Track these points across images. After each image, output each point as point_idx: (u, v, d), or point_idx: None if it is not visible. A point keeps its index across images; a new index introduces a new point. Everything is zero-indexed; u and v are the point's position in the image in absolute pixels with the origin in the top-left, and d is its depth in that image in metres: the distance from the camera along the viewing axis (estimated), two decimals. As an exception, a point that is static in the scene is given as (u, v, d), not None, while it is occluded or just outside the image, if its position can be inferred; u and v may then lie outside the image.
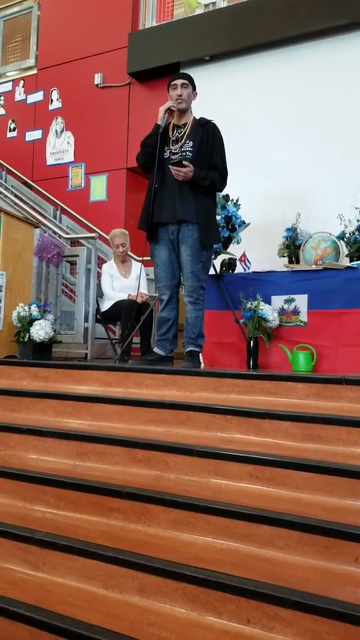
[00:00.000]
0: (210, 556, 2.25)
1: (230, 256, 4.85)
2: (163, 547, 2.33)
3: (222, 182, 4.01)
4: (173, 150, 3.98)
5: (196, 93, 4.08)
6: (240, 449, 2.74)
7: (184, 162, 3.78)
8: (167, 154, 3.99)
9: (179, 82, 3.98)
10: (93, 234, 6.29)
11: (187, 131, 3.98)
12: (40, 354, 4.28)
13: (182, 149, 3.95)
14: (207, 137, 3.96)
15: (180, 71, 7.01)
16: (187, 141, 3.96)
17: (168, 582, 2.11)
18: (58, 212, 7.92)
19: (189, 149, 3.94)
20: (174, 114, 4.02)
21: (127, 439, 2.94)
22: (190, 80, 4.02)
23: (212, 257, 4.38)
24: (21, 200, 7.62)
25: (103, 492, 2.62)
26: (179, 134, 4.01)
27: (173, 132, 4.04)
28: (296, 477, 2.53)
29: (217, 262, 4.70)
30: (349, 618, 1.82)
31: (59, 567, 2.35)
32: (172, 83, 4.00)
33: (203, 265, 3.99)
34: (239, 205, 4.86)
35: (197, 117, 4.06)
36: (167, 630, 1.98)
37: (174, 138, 4.02)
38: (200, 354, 4.11)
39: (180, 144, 3.97)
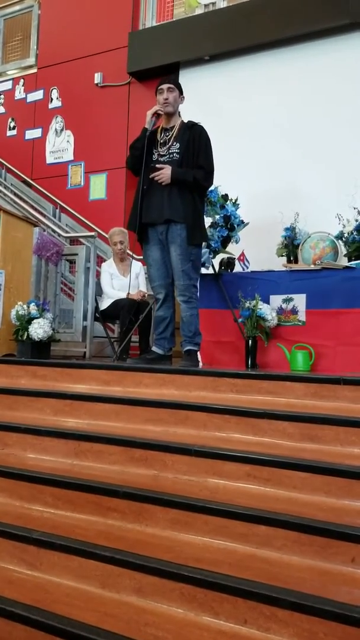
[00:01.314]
0: (207, 556, 2.25)
1: (229, 255, 4.85)
2: (160, 547, 2.32)
3: (206, 179, 4.02)
4: (161, 153, 4.05)
5: (183, 97, 4.14)
6: (238, 448, 2.74)
7: (157, 165, 3.88)
8: (155, 157, 4.06)
9: (165, 86, 4.04)
10: (92, 233, 6.28)
11: (175, 133, 4.04)
12: (39, 352, 4.27)
13: (170, 151, 4.02)
14: (194, 138, 4.00)
15: (180, 71, 7.04)
16: (174, 143, 4.02)
17: (165, 582, 2.11)
18: (57, 210, 7.92)
19: (176, 150, 3.99)
20: (162, 118, 4.09)
21: (125, 438, 2.94)
22: (177, 85, 4.09)
23: (211, 256, 4.39)
24: (20, 198, 7.62)
25: (100, 492, 2.61)
26: (167, 136, 4.07)
27: (161, 135, 4.10)
28: (294, 477, 2.53)
29: (216, 261, 4.70)
30: (346, 619, 1.82)
31: (56, 566, 2.34)
32: (159, 87, 4.07)
33: (193, 263, 4.01)
34: (238, 204, 4.85)
35: (185, 121, 4.11)
36: (164, 630, 1.98)
37: (162, 141, 4.08)
38: (198, 353, 4.12)
39: (167, 145, 4.03)
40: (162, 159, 3.99)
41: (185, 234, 3.92)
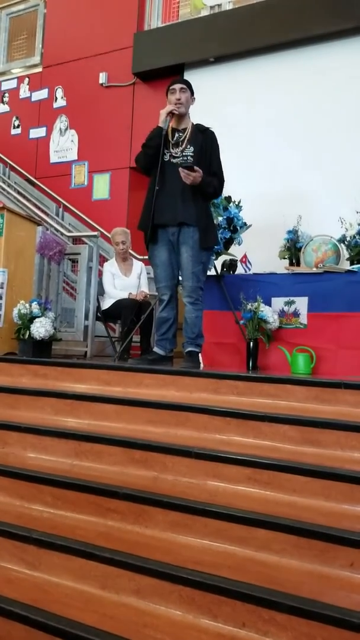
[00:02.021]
0: (206, 559, 2.26)
1: (231, 257, 4.86)
2: (160, 549, 2.33)
3: (220, 189, 4.09)
4: (173, 154, 4.02)
5: (194, 98, 4.12)
6: (239, 451, 2.75)
7: (195, 166, 3.80)
8: (167, 157, 4.03)
9: (177, 86, 4.02)
10: (95, 232, 6.29)
11: (188, 136, 4.02)
12: (40, 351, 4.28)
13: (184, 153, 3.99)
14: (207, 143, 4.01)
15: (185, 72, 7.05)
16: (188, 146, 4.00)
17: (164, 584, 2.11)
18: (61, 209, 7.93)
19: (190, 153, 3.98)
20: (174, 118, 4.05)
21: (125, 439, 2.94)
22: (189, 86, 4.07)
23: (213, 257, 4.40)
24: (24, 197, 7.63)
25: (100, 493, 2.62)
26: (179, 138, 4.04)
27: (173, 136, 4.06)
28: (294, 480, 2.53)
29: (218, 262, 4.71)
30: (344, 623, 1.82)
31: (56, 566, 2.35)
32: (171, 87, 4.05)
33: (203, 266, 4.03)
34: (241, 206, 4.86)
35: (195, 123, 4.10)
36: (162, 632, 1.98)
37: (174, 142, 4.05)
38: (199, 354, 4.12)
39: (181, 147, 4.01)
40: (174, 160, 3.97)
41: (198, 237, 3.92)
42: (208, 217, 4.03)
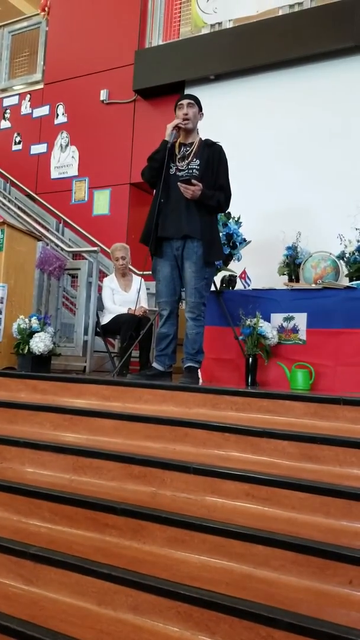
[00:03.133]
0: (204, 575, 2.24)
1: (230, 273, 4.88)
2: (157, 565, 2.32)
3: (226, 203, 4.10)
4: (180, 167, 4.04)
5: (202, 114, 4.15)
6: (237, 467, 2.74)
7: (193, 180, 3.83)
8: (173, 170, 4.05)
9: (185, 101, 4.07)
10: (95, 248, 6.32)
11: (194, 150, 4.06)
12: (39, 366, 4.28)
13: (189, 167, 4.02)
14: (214, 157, 4.03)
15: (185, 89, 7.11)
16: (194, 159, 4.03)
17: (162, 600, 2.10)
18: (61, 225, 7.95)
19: (196, 167, 4.00)
20: (180, 133, 4.08)
21: (123, 454, 2.93)
22: (197, 101, 4.10)
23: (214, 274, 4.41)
24: (25, 212, 7.67)
25: (98, 508, 2.61)
26: (186, 152, 4.07)
27: (179, 150, 4.10)
28: (292, 497, 2.53)
29: (218, 278, 4.72)
30: (343, 641, 1.81)
31: (53, 582, 2.33)
32: (179, 103, 4.09)
33: (207, 282, 4.05)
34: (240, 223, 4.89)
35: (204, 138, 4.12)
36: (159, 649, 1.97)
37: (180, 155, 4.08)
38: (199, 370, 4.12)
39: (187, 161, 4.03)
40: (180, 174, 3.99)
41: (202, 252, 3.94)
42: (213, 231, 4.04)
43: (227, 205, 4.14)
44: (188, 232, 3.95)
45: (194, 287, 3.96)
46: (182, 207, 3.97)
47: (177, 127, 4.03)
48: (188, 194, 3.87)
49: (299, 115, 6.49)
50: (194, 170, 3.99)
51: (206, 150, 4.04)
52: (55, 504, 2.72)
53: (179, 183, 3.88)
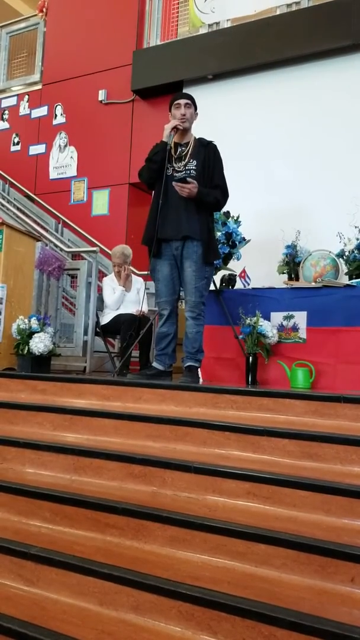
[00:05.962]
0: (206, 574, 2.24)
1: (230, 272, 4.87)
2: (159, 565, 2.31)
3: (224, 200, 4.10)
4: (176, 168, 4.04)
5: (197, 113, 4.16)
6: (238, 466, 2.73)
7: (187, 179, 3.83)
8: (170, 171, 4.06)
9: (182, 101, 4.06)
10: (94, 248, 6.31)
11: (190, 150, 4.06)
12: (39, 366, 4.27)
13: (186, 167, 4.02)
14: (209, 157, 4.05)
15: (183, 89, 7.09)
16: (191, 160, 4.03)
17: (163, 599, 2.09)
18: (60, 225, 7.95)
19: (193, 167, 4.01)
20: (177, 132, 4.07)
21: (124, 454, 2.93)
22: (193, 101, 4.11)
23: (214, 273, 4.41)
24: (24, 213, 7.65)
25: (99, 508, 2.60)
26: (182, 152, 4.07)
27: (176, 150, 4.09)
28: (294, 495, 2.52)
29: (217, 277, 4.71)
30: (344, 639, 1.80)
31: (54, 582, 2.33)
32: (176, 102, 4.08)
33: (207, 281, 4.06)
34: (240, 222, 4.89)
35: (197, 137, 4.13)
36: (161, 648, 1.97)
37: (176, 156, 4.08)
38: (199, 369, 4.12)
39: (184, 162, 4.04)
40: (177, 175, 4.00)
41: (201, 252, 3.95)
42: (210, 231, 4.05)
43: (225, 202, 4.13)
44: (187, 233, 3.95)
45: (194, 287, 3.97)
46: (181, 208, 3.98)
47: (175, 128, 4.03)
48: (184, 193, 3.87)
49: (298, 114, 6.49)
50: (191, 171, 4.00)
51: (202, 151, 4.05)
52: (55, 504, 2.72)
53: (174, 183, 3.90)
